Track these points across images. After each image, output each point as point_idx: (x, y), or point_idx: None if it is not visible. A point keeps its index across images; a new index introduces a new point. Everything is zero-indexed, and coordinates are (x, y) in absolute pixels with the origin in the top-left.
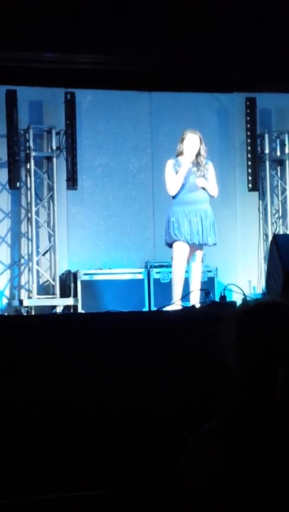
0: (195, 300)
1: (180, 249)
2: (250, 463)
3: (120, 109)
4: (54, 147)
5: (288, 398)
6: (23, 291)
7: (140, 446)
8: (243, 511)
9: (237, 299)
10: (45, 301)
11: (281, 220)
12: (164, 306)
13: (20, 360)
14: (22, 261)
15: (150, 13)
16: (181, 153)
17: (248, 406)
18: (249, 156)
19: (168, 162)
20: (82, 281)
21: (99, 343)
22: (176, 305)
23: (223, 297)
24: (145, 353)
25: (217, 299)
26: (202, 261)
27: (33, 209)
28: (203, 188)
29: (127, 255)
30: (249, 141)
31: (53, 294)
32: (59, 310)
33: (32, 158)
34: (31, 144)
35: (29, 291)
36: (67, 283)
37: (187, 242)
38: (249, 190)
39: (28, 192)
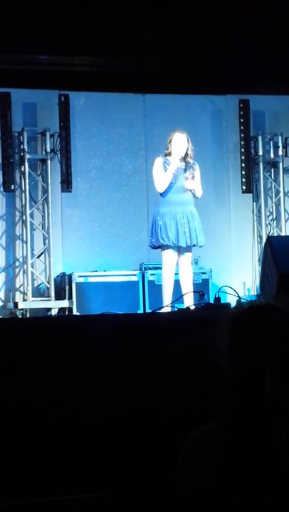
0: (189, 302)
1: (168, 254)
2: (245, 465)
3: (114, 112)
4: (48, 149)
5: (276, 403)
6: (18, 293)
7: (137, 448)
8: None
9: (231, 300)
10: (40, 304)
11: (275, 222)
12: (160, 309)
13: (15, 363)
14: (17, 263)
15: (144, 15)
16: (169, 154)
17: (240, 409)
18: (243, 158)
19: (157, 159)
20: (77, 284)
21: (94, 346)
22: (168, 308)
23: (217, 299)
24: (140, 355)
25: (211, 301)
26: (196, 263)
27: (28, 211)
28: (190, 190)
29: (121, 257)
30: (243, 143)
31: (48, 296)
32: (54, 312)
33: (26, 161)
34: (25, 147)
35: (24, 293)
36: (62, 285)
37: (175, 245)
38: (243, 192)
39: (23, 194)
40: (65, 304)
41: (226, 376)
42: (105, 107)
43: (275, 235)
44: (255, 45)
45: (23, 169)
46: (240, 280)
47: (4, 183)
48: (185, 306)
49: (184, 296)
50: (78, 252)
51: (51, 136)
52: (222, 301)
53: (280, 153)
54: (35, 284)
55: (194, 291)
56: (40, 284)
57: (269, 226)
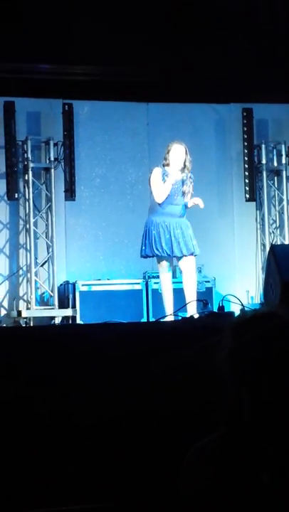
0: (193, 311)
1: (163, 265)
2: (248, 476)
3: (118, 120)
4: (52, 158)
5: (257, 423)
6: (21, 302)
7: (140, 457)
8: None
9: (235, 309)
10: (44, 312)
11: (279, 230)
12: (163, 317)
13: (18, 371)
14: (20, 272)
15: (147, 24)
16: (168, 165)
17: (241, 419)
18: (246, 166)
19: (155, 169)
20: (80, 292)
21: (97, 354)
22: (172, 316)
23: (221, 308)
24: (144, 364)
25: (215, 310)
26: (200, 271)
27: (32, 220)
28: (185, 203)
29: (125, 266)
30: (246, 151)
31: (52, 304)
32: (57, 321)
33: (30, 169)
34: (29, 155)
35: (28, 302)
36: (66, 294)
37: (170, 256)
38: (246, 201)
39: (27, 203)
40: (68, 312)
41: (229, 385)
42: (109, 116)
43: (279, 243)
44: (258, 54)
45: (26, 178)
46: (243, 288)
47: (8, 191)
48: (188, 315)
49: (187, 305)
50: (82, 260)
51: (55, 144)
52: (226, 310)
53: (284, 161)
54: (39, 293)
55: (198, 300)
56: (43, 293)
57: (272, 234)
